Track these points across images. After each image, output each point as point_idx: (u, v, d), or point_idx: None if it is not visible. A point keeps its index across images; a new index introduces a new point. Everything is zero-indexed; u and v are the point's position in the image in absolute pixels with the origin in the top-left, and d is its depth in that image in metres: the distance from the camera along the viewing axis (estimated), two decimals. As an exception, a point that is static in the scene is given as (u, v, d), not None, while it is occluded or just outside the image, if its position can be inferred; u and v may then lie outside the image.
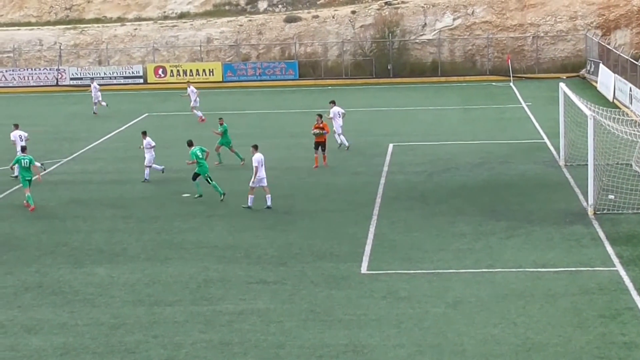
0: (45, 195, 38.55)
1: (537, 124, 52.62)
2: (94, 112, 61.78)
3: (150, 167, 40.51)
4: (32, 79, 78.19)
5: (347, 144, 46.96)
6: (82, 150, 48.67)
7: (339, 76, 77.11)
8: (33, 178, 36.67)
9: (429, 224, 32.66)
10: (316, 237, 31.42)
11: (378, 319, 23.44)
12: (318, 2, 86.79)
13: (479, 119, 56.31)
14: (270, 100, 67.77)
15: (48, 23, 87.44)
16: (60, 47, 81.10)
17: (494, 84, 72.33)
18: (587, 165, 33.68)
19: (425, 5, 79.32)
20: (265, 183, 35.43)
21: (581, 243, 29.81)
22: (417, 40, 78.26)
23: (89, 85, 65.39)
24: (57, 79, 78.21)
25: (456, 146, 47.28)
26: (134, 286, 26.80)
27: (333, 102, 48.55)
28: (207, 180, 36.91)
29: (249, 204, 35.44)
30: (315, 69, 78.21)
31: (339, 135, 47.10)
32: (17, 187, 39.78)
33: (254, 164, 35.24)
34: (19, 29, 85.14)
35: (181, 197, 37.79)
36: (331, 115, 47.11)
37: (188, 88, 60.26)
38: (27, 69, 79.02)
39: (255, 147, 35.76)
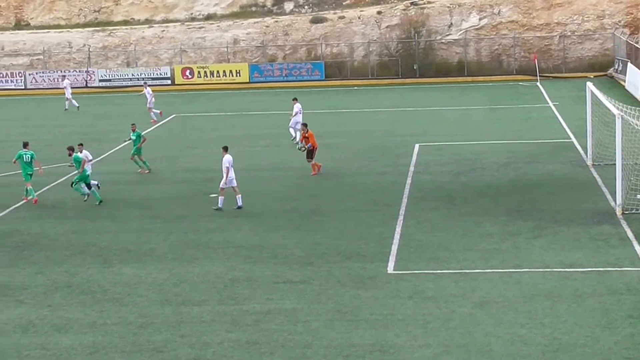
0: (74, 195, 38.68)
1: (564, 124, 52.36)
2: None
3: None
4: (62, 81, 78.47)
5: (297, 140, 47.50)
6: (111, 151, 48.79)
7: (365, 76, 77.06)
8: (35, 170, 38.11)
9: (456, 223, 32.53)
10: (343, 237, 31.35)
11: (404, 319, 23.34)
12: (344, 3, 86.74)
13: (506, 118, 56.08)
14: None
15: (77, 25, 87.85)
16: (89, 49, 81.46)
17: (520, 83, 72.09)
18: (614, 164, 33.43)
19: (451, 5, 79.14)
20: (235, 184, 35.39)
21: (609, 243, 29.60)
22: (443, 40, 78.11)
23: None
24: (86, 80, 78.57)
25: (482, 146, 47.10)
26: (161, 286, 26.83)
27: (295, 99, 50.32)
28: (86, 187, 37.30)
29: (219, 205, 35.45)
30: (342, 70, 78.20)
31: (293, 129, 48.86)
32: (46, 188, 39.97)
33: (224, 165, 35.19)
34: (48, 32, 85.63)
35: (208, 197, 37.80)
36: (296, 110, 48.89)
37: (145, 89, 61.00)
38: (57, 71, 79.36)
39: (225, 149, 35.73)
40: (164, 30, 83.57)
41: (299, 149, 41.32)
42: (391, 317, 23.51)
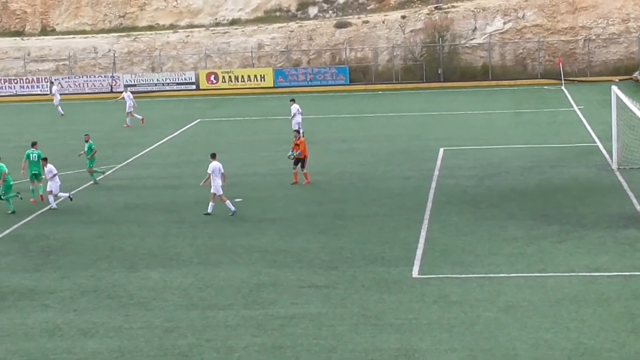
0: (100, 200, 38.89)
1: (589, 128, 52.16)
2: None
3: (57, 194, 37.63)
4: (87, 86, 78.94)
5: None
6: (136, 156, 48.96)
7: (389, 81, 77.01)
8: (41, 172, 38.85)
9: (481, 228, 32.46)
10: (367, 241, 31.34)
11: (429, 323, 23.32)
12: (368, 8, 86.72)
13: (530, 122, 55.91)
14: (321, 105, 67.76)
15: (102, 31, 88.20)
16: (114, 54, 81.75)
17: (545, 87, 71.85)
18: (640, 168, 33.34)
19: (475, 10, 79.02)
20: (221, 192, 35.46)
21: (635, 247, 29.46)
22: (468, 45, 77.97)
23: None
24: (111, 85, 78.84)
25: (507, 150, 46.98)
26: (187, 290, 26.88)
27: (293, 100, 52.40)
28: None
29: (209, 211, 35.59)
30: (366, 74, 78.18)
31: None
32: (73, 192, 40.10)
33: (208, 171, 35.31)
34: (74, 37, 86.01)
35: (233, 201, 37.86)
36: (294, 112, 50.86)
37: (124, 93, 61.73)
38: (82, 77, 79.77)
39: (213, 156, 35.91)
40: (188, 36, 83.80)
41: (288, 157, 40.83)
42: (416, 321, 23.49)
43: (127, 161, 47.48)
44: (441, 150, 47.06)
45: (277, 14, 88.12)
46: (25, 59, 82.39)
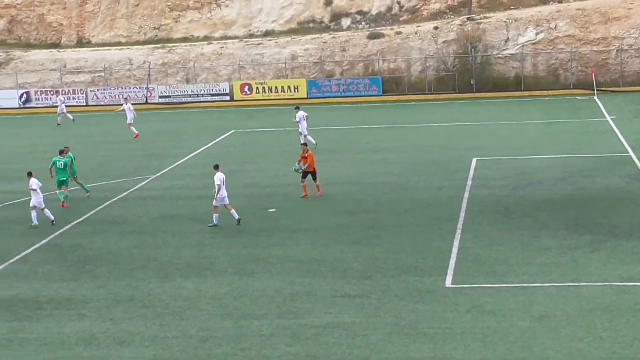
0: (135, 210, 39.09)
1: (621, 137, 51.89)
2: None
3: (42, 208, 36.76)
4: (122, 97, 79.19)
5: (314, 142, 51.63)
6: (171, 167, 49.13)
7: (422, 91, 76.92)
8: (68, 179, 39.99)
9: (513, 237, 32.35)
10: (401, 251, 31.30)
11: (463, 333, 23.26)
12: (401, 19, 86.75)
13: (563, 132, 55.69)
14: (354, 116, 67.84)
15: (137, 43, 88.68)
16: (149, 66, 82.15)
17: (577, 97, 71.51)
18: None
19: (507, 20, 78.85)
20: (227, 202, 35.54)
21: (668, 257, 29.32)
22: (500, 55, 77.78)
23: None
24: (146, 97, 79.22)
25: (540, 160, 46.82)
26: (221, 299, 26.95)
27: (297, 108, 54.20)
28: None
29: (215, 222, 35.64)
30: (399, 85, 78.15)
31: (305, 136, 51.78)
32: (107, 203, 40.38)
33: (216, 182, 35.32)
34: (109, 49, 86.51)
35: (267, 212, 37.97)
36: (297, 119, 52.60)
37: (125, 105, 62.27)
38: (118, 88, 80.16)
39: (216, 167, 36.03)
40: (222, 47, 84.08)
41: (296, 170, 40.68)
42: (449, 330, 23.44)
43: (162, 172, 47.66)
44: (474, 160, 46.95)
45: (311, 25, 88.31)
46: (62, 71, 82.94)
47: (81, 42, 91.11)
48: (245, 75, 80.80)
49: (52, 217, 36.77)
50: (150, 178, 46.17)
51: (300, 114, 53.27)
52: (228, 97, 78.40)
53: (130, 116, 61.14)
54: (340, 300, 26.34)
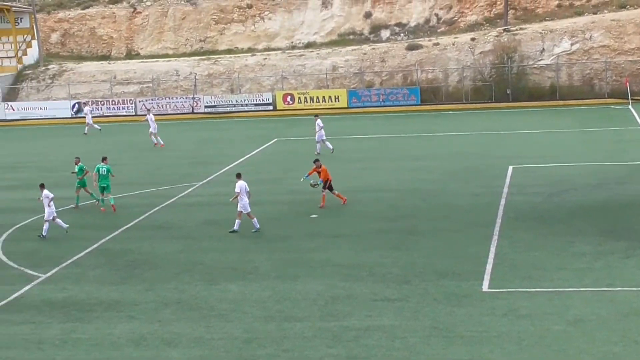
0: (182, 216, 39.26)
1: (655, 146, 51.50)
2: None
3: (51, 220, 36.36)
4: (170, 107, 79.78)
5: (331, 147, 54.09)
6: (216, 174, 49.30)
7: (459, 101, 76.71)
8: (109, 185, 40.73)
9: (549, 243, 32.16)
10: (438, 256, 31.23)
11: (499, 336, 23.16)
12: (439, 30, 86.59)
13: (597, 141, 55.30)
14: (393, 124, 67.76)
15: (184, 55, 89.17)
16: (195, 77, 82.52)
17: (612, 106, 70.99)
18: None
19: (543, 32, 78.46)
20: (249, 209, 35.53)
21: (701, 262, 29.02)
22: (535, 65, 77.37)
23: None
24: (192, 107, 79.60)
25: (574, 168, 46.53)
26: (265, 302, 27.00)
27: (316, 116, 56.66)
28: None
29: (235, 228, 35.66)
30: (437, 94, 77.93)
31: (323, 141, 54.37)
32: (155, 209, 40.58)
33: (235, 190, 35.41)
34: (157, 61, 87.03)
35: (309, 217, 38.00)
36: (318, 126, 54.36)
37: (148, 115, 62.75)
38: (165, 98, 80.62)
39: (239, 175, 36.14)
40: (265, 58, 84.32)
41: (312, 185, 40.30)
42: (486, 334, 23.34)
43: (208, 179, 47.85)
44: (510, 168, 46.73)
45: (351, 37, 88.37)
46: (112, 82, 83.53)
47: (130, 55, 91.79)
48: (288, 85, 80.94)
49: (66, 226, 36.60)
50: (197, 185, 46.37)
51: (319, 122, 54.55)
52: (271, 107, 78.56)
53: (153, 126, 61.58)
54: (380, 304, 26.31)
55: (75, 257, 33.16)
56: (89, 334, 24.95)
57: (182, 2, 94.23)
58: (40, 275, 31.01)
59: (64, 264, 32.28)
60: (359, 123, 69.31)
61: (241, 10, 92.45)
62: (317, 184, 39.98)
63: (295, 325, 24.82)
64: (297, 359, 22.35)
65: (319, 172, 40.03)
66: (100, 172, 40.84)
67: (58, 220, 36.45)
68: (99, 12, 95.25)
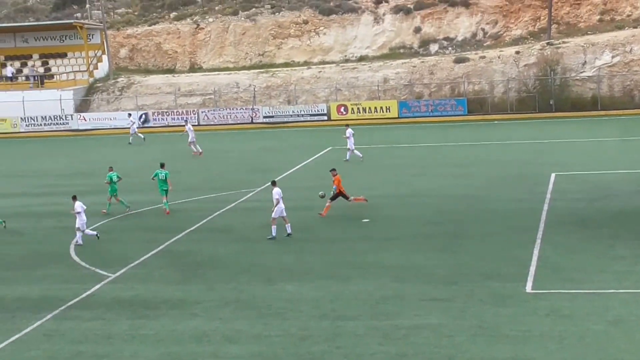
0: (241, 220, 39.43)
1: (693, 154, 50.79)
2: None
3: (83, 230, 36.17)
4: (230, 117, 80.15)
5: (360, 156, 54.14)
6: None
7: (504, 111, 76.17)
8: (169, 189, 41.33)
9: (590, 247, 31.88)
10: (484, 258, 31.08)
11: (541, 335, 23.02)
12: (485, 44, 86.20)
13: (637, 149, 54.64)
14: (441, 133, 67.48)
15: (244, 68, 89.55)
16: (254, 88, 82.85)
17: (652, 116, 70.21)
18: None
19: (585, 45, 77.76)
20: (284, 214, 35.49)
21: None
22: (578, 77, 76.66)
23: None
24: (251, 117, 79.89)
25: (615, 175, 46.04)
26: (319, 302, 27.04)
27: (347, 126, 56.73)
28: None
29: (273, 234, 35.50)
30: (483, 105, 77.47)
31: (353, 151, 54.46)
32: (217, 213, 40.80)
33: (274, 197, 35.33)
34: (218, 74, 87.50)
35: (361, 221, 37.99)
36: (347, 135, 54.79)
37: (187, 126, 63.36)
38: (226, 109, 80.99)
39: (274, 183, 36.10)
40: (320, 71, 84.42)
41: (321, 196, 40.08)
42: (529, 333, 23.21)
43: (266, 185, 47.98)
44: (553, 175, 46.36)
45: (401, 51, 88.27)
46: (176, 94, 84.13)
47: (193, 68, 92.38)
48: (342, 96, 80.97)
49: (95, 233, 36.53)
50: (255, 191, 46.53)
51: (349, 131, 54.91)
52: (326, 117, 78.59)
53: (191, 135, 62.00)
54: (428, 304, 26.26)
55: (142, 258, 33.46)
56: (154, 330, 25.18)
57: (242, 19, 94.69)
58: (109, 275, 31.34)
59: (132, 265, 32.60)
60: (408, 132, 69.11)
61: (297, 25, 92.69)
62: (325, 195, 39.85)
63: (348, 323, 24.84)
64: (349, 356, 22.37)
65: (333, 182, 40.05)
66: (160, 177, 41.39)
67: (87, 230, 36.33)
68: (165, 28, 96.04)
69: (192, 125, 65.29)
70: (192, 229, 38.30)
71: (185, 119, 73.81)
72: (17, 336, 25.20)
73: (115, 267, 32.24)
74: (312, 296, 27.67)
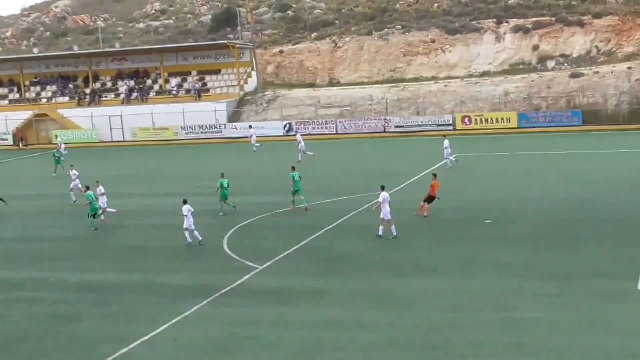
0: (373, 219, 39.24)
1: None
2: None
3: (192, 230, 36.04)
4: (365, 127, 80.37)
5: (454, 161, 54.87)
6: (404, 184, 49.30)
7: (616, 122, 74.24)
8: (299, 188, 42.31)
9: (699, 249, 30.80)
10: (598, 258, 30.34)
11: (652, 330, 22.42)
12: (598, 60, 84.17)
13: None
14: (557, 143, 66.13)
15: (377, 82, 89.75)
16: (386, 101, 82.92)
17: None
18: None
19: (695, 60, 75.12)
20: (389, 217, 35.00)
21: None
22: (688, 91, 74.10)
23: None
24: (384, 126, 79.95)
25: None
26: (444, 295, 26.87)
27: (444, 136, 56.62)
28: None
29: (379, 233, 35.22)
30: (596, 117, 75.65)
31: (448, 160, 54.76)
32: (353, 212, 40.93)
33: (379, 200, 35.05)
34: (354, 88, 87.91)
35: (484, 222, 37.59)
36: (445, 146, 54.42)
37: (297, 135, 65.60)
38: (361, 119, 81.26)
39: (382, 188, 35.70)
40: (446, 85, 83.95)
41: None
42: (640, 328, 22.63)
43: (397, 188, 47.95)
44: (664, 181, 44.99)
45: (520, 66, 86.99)
46: (316, 106, 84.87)
47: (332, 82, 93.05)
48: (465, 108, 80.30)
49: (200, 238, 36.29)
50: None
51: (446, 142, 54.88)
52: (451, 127, 78.01)
53: (301, 144, 63.15)
54: (544, 299, 25.82)
55: (286, 252, 33.85)
56: (297, 316, 25.49)
57: (376, 38, 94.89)
58: (257, 266, 31.83)
59: (277, 258, 33.01)
60: (527, 141, 67.96)
61: (425, 44, 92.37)
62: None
63: (471, 315, 24.65)
64: (472, 344, 22.19)
65: (432, 186, 39.83)
66: (295, 178, 42.49)
67: (195, 232, 36.30)
68: (306, 47, 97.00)
69: (302, 135, 66.44)
70: (329, 227, 38.51)
71: (296, 130, 74.34)
72: (178, 318, 25.90)
73: (263, 259, 32.71)
74: (439, 290, 27.54)
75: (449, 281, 28.45)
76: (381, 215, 35.28)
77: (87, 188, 42.07)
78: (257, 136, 74.58)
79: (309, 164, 60.05)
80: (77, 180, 49.09)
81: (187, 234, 36.17)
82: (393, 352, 22.08)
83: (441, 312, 25.09)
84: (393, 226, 35.47)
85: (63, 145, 74.75)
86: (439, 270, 29.97)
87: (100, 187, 42.73)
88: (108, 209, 42.94)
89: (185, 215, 35.92)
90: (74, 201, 48.44)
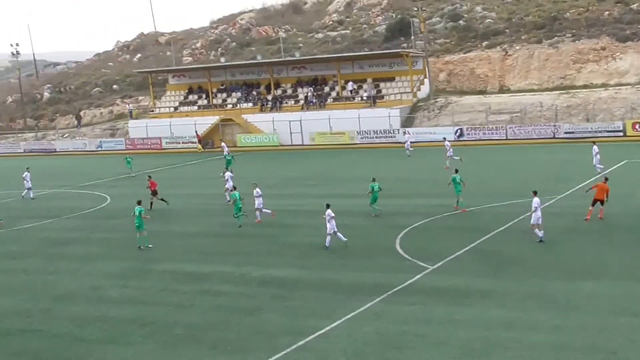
0: (544, 223, 38.43)
1: None
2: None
3: (334, 233, 35.57)
4: (534, 133, 78.55)
5: (599, 170, 52.12)
6: (574, 189, 47.81)
7: None
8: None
9: None
10: None
11: None
12: None
13: None
14: None
15: (547, 89, 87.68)
16: (555, 108, 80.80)
17: None
18: None
19: None
20: (540, 222, 34.27)
21: None
22: None
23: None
24: (554, 133, 77.89)
25: None
26: (615, 299, 25.87)
27: (594, 143, 54.96)
28: None
29: (540, 237, 34.31)
30: None
31: (596, 166, 52.94)
32: (522, 216, 40.04)
33: (533, 205, 34.22)
34: (524, 95, 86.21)
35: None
36: (594, 152, 53.08)
37: (445, 142, 64.17)
38: (530, 125, 79.49)
39: (535, 193, 34.83)
40: (617, 92, 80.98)
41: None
42: None
43: (566, 193, 46.60)
44: None
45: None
46: (487, 112, 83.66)
47: (502, 89, 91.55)
48: (637, 115, 77.07)
49: (345, 239, 35.81)
50: (557, 198, 45.27)
51: (596, 148, 53.82)
52: (621, 133, 75.08)
53: (449, 152, 62.14)
54: None
55: (456, 254, 33.51)
56: (467, 316, 25.17)
57: (546, 46, 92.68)
58: (428, 266, 31.65)
59: (448, 259, 32.72)
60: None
61: (596, 52, 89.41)
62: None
63: (642, 320, 23.62)
64: (643, 350, 21.24)
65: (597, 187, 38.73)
66: (456, 181, 42.55)
67: (339, 234, 35.83)
68: (477, 55, 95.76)
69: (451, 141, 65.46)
70: (500, 229, 37.84)
71: (443, 137, 73.15)
72: (352, 314, 26.07)
73: (434, 260, 32.49)
74: (609, 293, 26.55)
75: (620, 285, 27.38)
76: (532, 221, 34.62)
77: (234, 188, 43.90)
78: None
79: (479, 168, 59.21)
80: (231, 182, 50.22)
81: (328, 238, 35.91)
82: (560, 354, 21.43)
83: (611, 317, 24.16)
84: (541, 231, 34.66)
85: (227, 149, 76.67)
86: (609, 274, 28.88)
87: (258, 189, 43.41)
88: (264, 210, 43.61)
89: (329, 220, 35.58)
90: (228, 201, 49.51)
